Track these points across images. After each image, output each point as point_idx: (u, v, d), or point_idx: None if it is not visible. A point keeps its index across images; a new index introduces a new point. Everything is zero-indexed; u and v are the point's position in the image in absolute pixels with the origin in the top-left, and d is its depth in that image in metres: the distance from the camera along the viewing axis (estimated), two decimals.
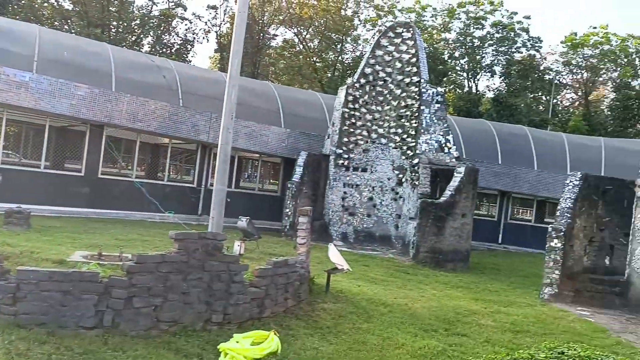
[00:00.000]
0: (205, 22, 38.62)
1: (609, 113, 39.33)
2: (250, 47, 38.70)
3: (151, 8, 36.44)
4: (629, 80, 37.80)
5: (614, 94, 39.39)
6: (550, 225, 12.21)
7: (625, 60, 38.99)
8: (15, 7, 31.80)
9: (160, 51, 35.49)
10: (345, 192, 19.13)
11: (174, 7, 36.68)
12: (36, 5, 32.46)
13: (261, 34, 39.28)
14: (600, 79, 41.84)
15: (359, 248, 17.82)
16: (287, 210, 18.05)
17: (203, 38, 39.03)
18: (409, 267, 14.75)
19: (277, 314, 7.44)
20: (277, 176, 24.22)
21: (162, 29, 35.96)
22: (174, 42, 37.68)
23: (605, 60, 39.59)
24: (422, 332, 7.93)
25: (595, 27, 39.62)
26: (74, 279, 5.74)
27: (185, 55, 37.23)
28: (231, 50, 9.20)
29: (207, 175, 20.15)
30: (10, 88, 15.62)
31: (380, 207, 18.86)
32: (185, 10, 37.53)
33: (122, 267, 6.19)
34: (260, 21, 38.86)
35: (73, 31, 31.33)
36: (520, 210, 28.32)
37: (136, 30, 35.89)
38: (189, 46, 37.76)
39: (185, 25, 37.79)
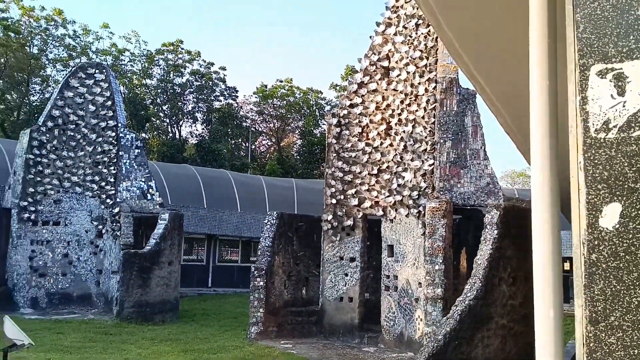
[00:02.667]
0: None
1: (298, 157, 44.06)
2: None
3: None
4: (312, 128, 43.13)
5: (301, 140, 44.37)
6: (253, 265, 12.65)
7: (308, 111, 44.49)
8: None
9: None
10: (33, 251, 16.65)
11: None
12: None
13: None
14: (289, 127, 46.72)
15: (54, 313, 15.64)
16: None
17: None
18: (112, 327, 13.48)
19: None
20: None
21: None
22: None
23: (292, 110, 44.51)
24: None
25: (281, 81, 44.32)
26: None
27: None
28: None
29: None
30: None
31: (78, 264, 16.98)
32: None
33: None
34: None
35: None
36: (229, 252, 29.12)
37: None
38: None
39: None
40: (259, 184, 26.92)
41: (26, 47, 35.48)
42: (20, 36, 34.92)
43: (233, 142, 43.22)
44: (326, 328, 12.64)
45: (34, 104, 36.14)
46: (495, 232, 8.92)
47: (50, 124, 17.27)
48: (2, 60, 34.82)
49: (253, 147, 44.51)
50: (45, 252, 16.77)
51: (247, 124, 43.95)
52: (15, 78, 35.54)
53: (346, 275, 12.71)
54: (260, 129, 46.26)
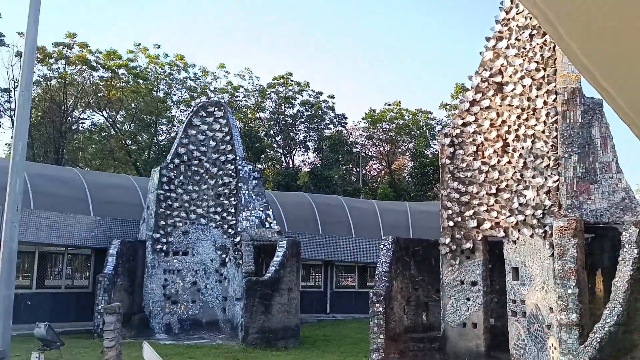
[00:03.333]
0: None
1: (410, 179, 43.55)
2: (53, 132, 35.81)
3: None
4: (423, 149, 42.52)
5: (412, 162, 43.87)
6: (371, 291, 12.56)
7: (418, 132, 43.99)
8: None
9: None
10: (166, 279, 17.87)
11: None
12: None
13: (65, 118, 36.69)
14: (399, 150, 46.44)
15: (185, 338, 16.58)
16: (100, 307, 16.18)
17: None
18: (239, 352, 13.99)
19: None
20: (89, 270, 21.94)
21: None
22: None
23: (402, 133, 44.26)
24: None
25: (389, 104, 44.34)
26: None
27: None
28: (14, 133, 8.11)
29: None
30: None
31: (205, 291, 17.92)
32: None
33: None
34: (64, 105, 36.39)
35: None
36: (345, 277, 29.32)
37: None
38: None
39: None
40: (372, 208, 26.90)
41: (153, 92, 38.77)
42: (148, 82, 38.27)
43: (344, 168, 43.75)
44: (450, 355, 12.18)
45: (161, 143, 39.22)
46: (636, 251, 8.13)
47: (176, 160, 18.60)
48: (133, 105, 38.31)
49: (364, 171, 44.73)
50: (176, 280, 17.91)
51: (357, 149, 44.34)
52: (145, 120, 38.88)
53: (468, 300, 12.21)
54: (370, 154, 46.46)
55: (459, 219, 12.54)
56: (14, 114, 34.24)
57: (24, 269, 23.26)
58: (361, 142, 45.65)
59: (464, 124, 12.84)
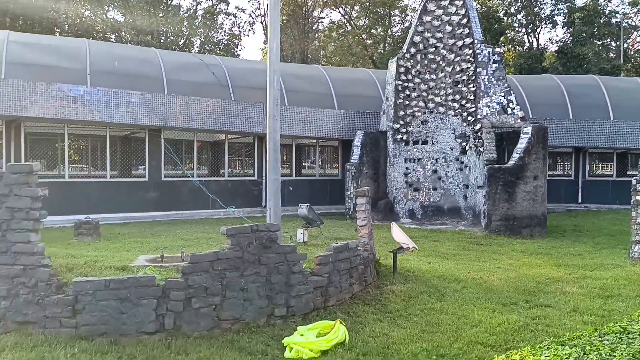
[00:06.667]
0: (249, 14, 38.69)
1: None
2: (297, 33, 38.45)
3: (196, 8, 36.85)
4: None
5: None
6: (634, 178, 11.17)
7: None
8: (66, 25, 32.87)
9: (209, 49, 35.82)
10: (407, 168, 18.51)
11: (217, 3, 36.89)
12: (87, 21, 33.50)
13: (307, 19, 38.90)
14: None
15: (428, 223, 17.24)
16: (349, 192, 17.67)
17: (249, 30, 38.82)
18: (482, 238, 14.06)
19: (342, 301, 7.13)
20: (337, 159, 23.92)
21: (208, 26, 36.26)
22: (221, 39, 37.96)
23: None
24: (500, 307, 7.38)
25: None
26: (130, 285, 5.64)
27: (233, 50, 37.43)
28: (268, 34, 8.88)
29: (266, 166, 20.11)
30: (67, 103, 16.08)
31: (446, 179, 18.12)
32: (228, 6, 37.69)
33: (178, 268, 6.06)
34: (305, 6, 38.49)
35: (125, 41, 32.15)
36: (600, 166, 26.73)
37: (184, 32, 36.41)
38: (236, 40, 37.94)
39: (230, 20, 38.06)
40: (636, 87, 23.27)
41: None
42: None
43: (600, 43, 38.21)
44: None
45: (396, 34, 39.21)
46: None
47: (412, 50, 18.42)
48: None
49: (625, 45, 38.49)
50: (417, 169, 18.43)
51: (618, 20, 38.06)
52: (378, 13, 39.02)
53: None
54: (634, 24, 39.53)
55: None
56: (263, 20, 37.56)
57: (283, 160, 26.43)
58: (622, 10, 38.98)
59: None
